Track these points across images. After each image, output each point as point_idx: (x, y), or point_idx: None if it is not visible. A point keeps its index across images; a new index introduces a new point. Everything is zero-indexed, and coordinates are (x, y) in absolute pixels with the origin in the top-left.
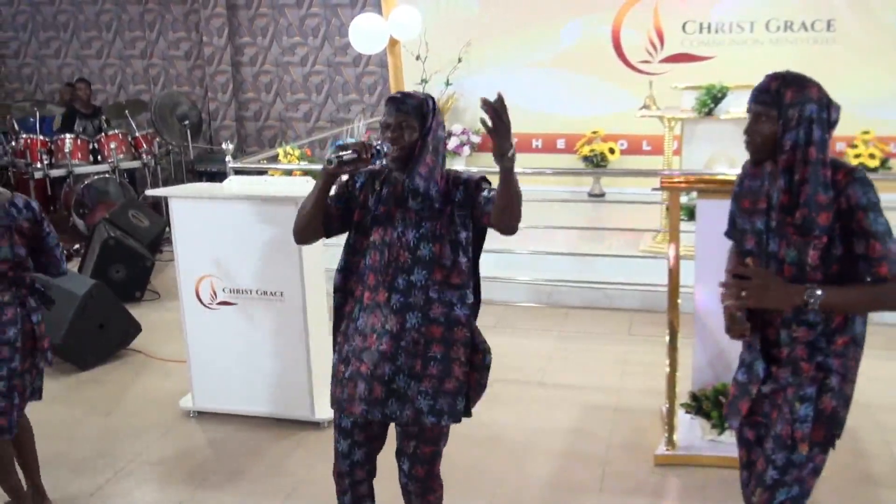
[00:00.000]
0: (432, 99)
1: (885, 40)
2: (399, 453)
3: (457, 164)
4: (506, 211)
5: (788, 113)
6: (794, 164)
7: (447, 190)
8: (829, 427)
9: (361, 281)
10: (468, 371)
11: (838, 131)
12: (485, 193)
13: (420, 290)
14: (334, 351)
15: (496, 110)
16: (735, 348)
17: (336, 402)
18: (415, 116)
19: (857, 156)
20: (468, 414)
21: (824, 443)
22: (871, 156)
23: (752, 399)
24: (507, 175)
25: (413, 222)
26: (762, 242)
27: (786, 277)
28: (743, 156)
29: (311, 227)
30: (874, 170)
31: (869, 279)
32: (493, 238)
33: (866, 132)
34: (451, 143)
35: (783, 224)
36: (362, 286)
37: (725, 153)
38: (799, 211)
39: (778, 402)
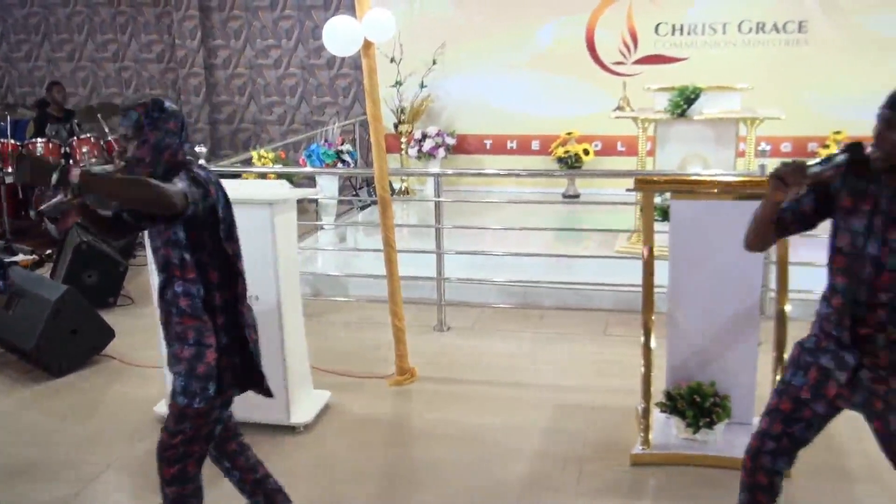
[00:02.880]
0: None
1: (856, 41)
2: None
3: (432, 167)
4: None
5: None
6: None
7: None
8: None
9: None
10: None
11: (811, 131)
12: None
13: (168, 286)
14: None
15: None
16: (709, 348)
17: None
18: None
19: None
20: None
21: None
22: None
23: (840, 386)
24: None
25: None
26: (858, 243)
27: (884, 284)
28: (716, 157)
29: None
30: None
31: None
32: (468, 240)
33: (838, 132)
34: (427, 146)
35: (890, 229)
36: None
37: (698, 154)
38: None
39: (880, 391)
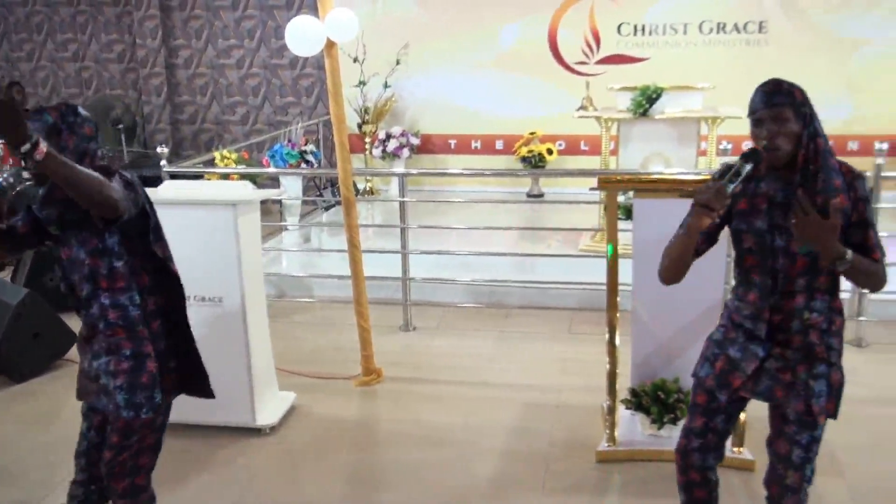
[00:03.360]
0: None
1: (816, 41)
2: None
3: (396, 167)
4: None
5: (802, 110)
6: (808, 158)
7: None
8: (837, 399)
9: None
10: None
11: None
12: None
13: (94, 299)
14: None
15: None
16: (672, 345)
17: None
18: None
19: None
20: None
21: (834, 414)
22: None
23: (745, 376)
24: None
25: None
26: (764, 241)
27: (800, 269)
28: (678, 155)
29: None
30: None
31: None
32: (433, 240)
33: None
34: (391, 146)
35: (790, 219)
36: None
37: (661, 153)
38: (819, 196)
39: (785, 379)
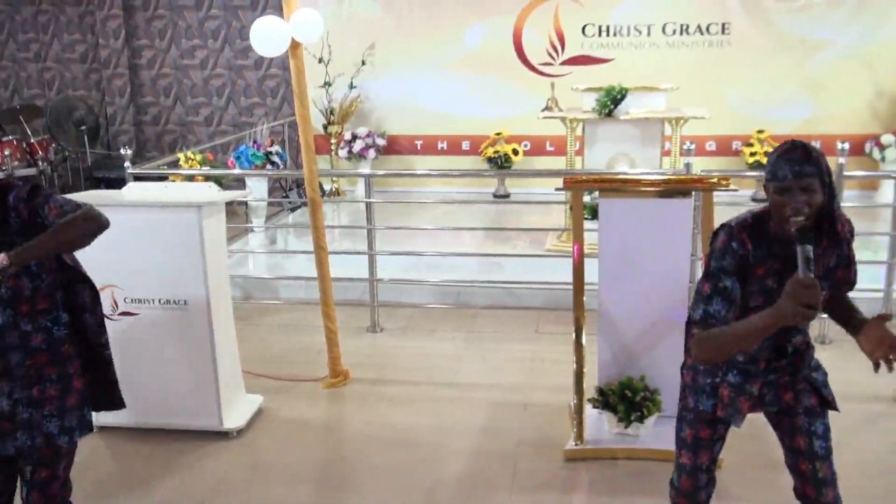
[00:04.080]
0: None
1: (778, 42)
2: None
3: (362, 168)
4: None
5: (827, 179)
6: (827, 226)
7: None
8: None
9: None
10: (89, 376)
11: (735, 130)
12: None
13: (11, 328)
14: None
15: None
16: (638, 343)
17: None
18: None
19: (753, 153)
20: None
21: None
22: (767, 153)
23: (753, 397)
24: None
25: None
26: (774, 297)
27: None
28: (642, 156)
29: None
30: None
31: (844, 294)
32: (400, 240)
33: (761, 131)
34: (357, 146)
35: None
36: None
37: (625, 153)
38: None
39: (784, 382)
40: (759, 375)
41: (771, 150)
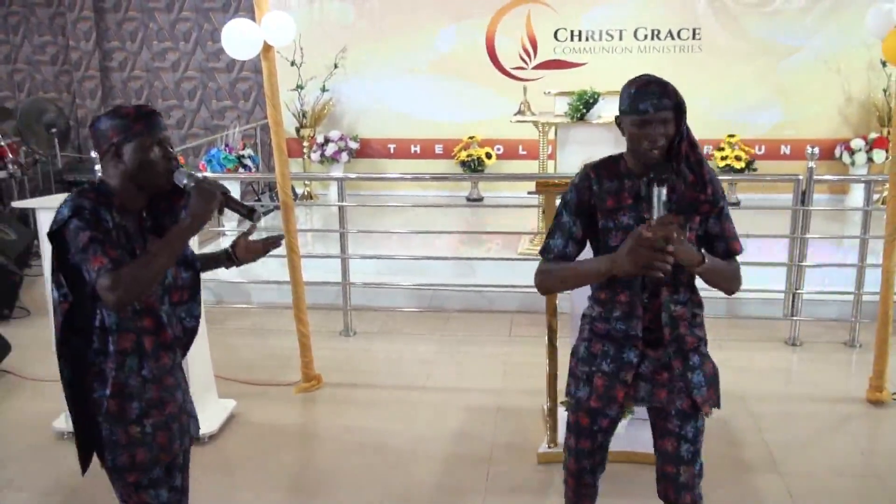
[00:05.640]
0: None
1: (748, 48)
2: None
3: (335, 171)
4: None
5: (680, 110)
6: (686, 153)
7: None
8: (716, 387)
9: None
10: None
11: (706, 135)
12: None
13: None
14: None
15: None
16: None
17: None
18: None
19: (724, 158)
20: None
21: (717, 402)
22: (738, 158)
23: (626, 385)
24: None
25: None
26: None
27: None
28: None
29: None
30: (741, 171)
31: (723, 255)
32: (372, 244)
33: (732, 135)
34: (329, 150)
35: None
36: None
37: (598, 156)
38: (709, 187)
39: (662, 380)
40: (633, 357)
41: (743, 154)
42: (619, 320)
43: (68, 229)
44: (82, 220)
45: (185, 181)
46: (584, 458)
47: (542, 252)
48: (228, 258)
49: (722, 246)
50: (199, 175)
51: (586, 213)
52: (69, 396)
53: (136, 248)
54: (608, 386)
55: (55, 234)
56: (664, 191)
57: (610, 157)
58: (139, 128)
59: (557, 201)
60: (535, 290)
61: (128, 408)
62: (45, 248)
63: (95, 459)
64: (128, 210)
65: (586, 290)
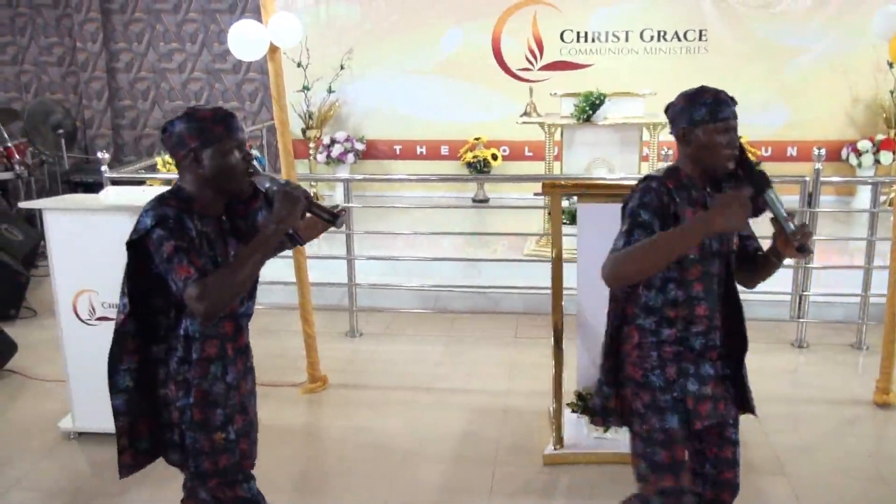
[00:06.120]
0: None
1: (755, 49)
2: None
3: (341, 172)
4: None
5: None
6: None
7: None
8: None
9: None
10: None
11: None
12: None
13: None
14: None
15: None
16: None
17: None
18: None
19: None
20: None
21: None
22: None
23: (717, 399)
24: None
25: None
26: (706, 247)
27: (724, 270)
28: (621, 161)
29: None
30: None
31: (753, 253)
32: (378, 245)
33: (738, 136)
34: (335, 151)
35: None
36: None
37: (604, 158)
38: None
39: (720, 395)
40: (709, 370)
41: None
42: (700, 335)
43: (151, 239)
44: (166, 230)
45: (267, 185)
46: (688, 496)
47: (613, 251)
48: (291, 239)
49: (753, 245)
50: (282, 179)
51: (662, 216)
52: (129, 402)
53: (217, 255)
54: (708, 404)
55: (135, 244)
56: (773, 190)
57: (668, 167)
58: (219, 131)
59: (564, 203)
60: (543, 290)
61: (212, 415)
62: (52, 249)
63: (104, 461)
64: (208, 215)
65: (599, 296)
